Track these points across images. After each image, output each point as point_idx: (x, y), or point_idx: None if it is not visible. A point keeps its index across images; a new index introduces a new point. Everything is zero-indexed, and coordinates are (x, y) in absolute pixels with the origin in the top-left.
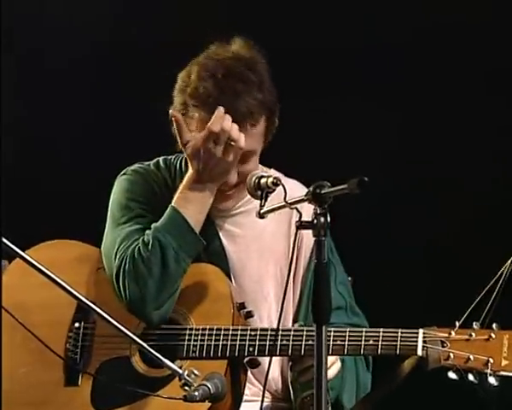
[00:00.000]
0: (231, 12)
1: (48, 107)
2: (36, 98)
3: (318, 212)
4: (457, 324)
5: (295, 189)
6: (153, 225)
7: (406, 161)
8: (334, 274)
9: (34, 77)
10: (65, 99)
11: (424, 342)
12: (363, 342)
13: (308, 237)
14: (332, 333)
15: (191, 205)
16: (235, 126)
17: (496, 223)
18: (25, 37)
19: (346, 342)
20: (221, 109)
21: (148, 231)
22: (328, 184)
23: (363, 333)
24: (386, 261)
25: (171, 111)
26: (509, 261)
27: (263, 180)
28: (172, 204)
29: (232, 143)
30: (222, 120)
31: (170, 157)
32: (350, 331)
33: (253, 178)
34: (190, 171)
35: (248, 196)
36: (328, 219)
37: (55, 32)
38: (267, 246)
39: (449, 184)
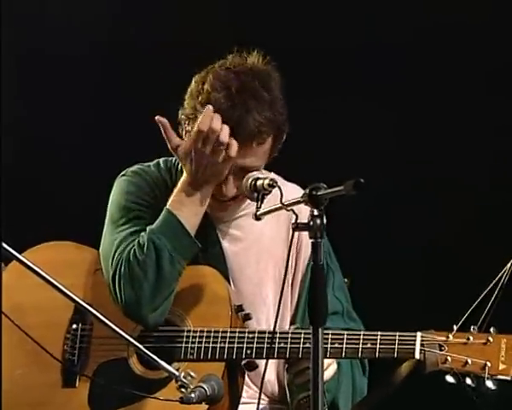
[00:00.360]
0: (231, 12)
1: (48, 107)
2: (36, 98)
3: (315, 214)
4: (455, 327)
5: (293, 192)
6: (148, 228)
7: (407, 161)
8: (331, 279)
9: (34, 77)
10: (65, 99)
11: (422, 345)
12: (361, 345)
13: (307, 240)
14: (330, 336)
15: (186, 207)
16: (226, 129)
17: (497, 223)
18: (25, 37)
19: (344, 345)
20: (210, 108)
21: (143, 234)
22: (325, 185)
23: (361, 336)
24: (386, 262)
25: (157, 117)
26: (508, 265)
27: (259, 182)
28: (167, 207)
29: (221, 146)
30: (210, 120)
31: (170, 158)
32: (348, 334)
33: (250, 180)
34: (185, 174)
35: (248, 201)
36: (325, 221)
37: (55, 32)
38: (266, 249)
39: (449, 184)
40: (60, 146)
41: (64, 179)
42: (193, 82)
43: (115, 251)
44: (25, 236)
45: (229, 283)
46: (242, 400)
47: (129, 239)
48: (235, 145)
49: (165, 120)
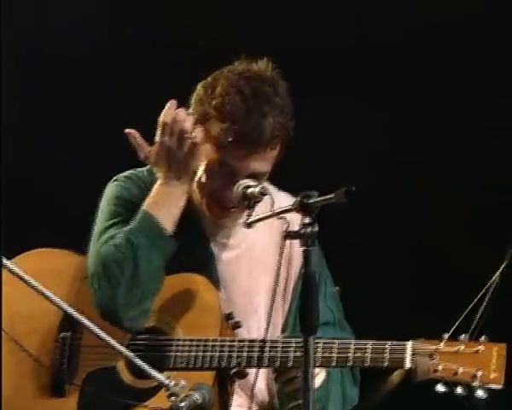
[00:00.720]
0: (226, 12)
1: (48, 107)
2: (36, 98)
3: (306, 222)
4: (446, 335)
5: (285, 200)
6: (125, 228)
7: (398, 161)
8: (323, 288)
9: (34, 77)
10: (64, 99)
11: (413, 354)
12: (351, 354)
13: (299, 248)
14: (320, 345)
15: (162, 207)
16: (190, 119)
17: (488, 223)
18: (25, 37)
19: (335, 354)
20: (172, 101)
21: (121, 234)
22: (316, 193)
23: (352, 345)
24: (377, 262)
25: (126, 130)
26: (498, 273)
27: (250, 190)
28: (143, 207)
29: (186, 135)
30: (174, 111)
31: None
32: (339, 343)
33: (241, 188)
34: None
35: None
36: (317, 228)
37: (55, 32)
38: (258, 257)
39: (440, 185)
40: (59, 146)
41: (64, 179)
42: (199, 87)
43: (97, 253)
44: (25, 236)
45: (221, 291)
46: (232, 408)
47: (110, 242)
48: (198, 131)
49: (134, 132)
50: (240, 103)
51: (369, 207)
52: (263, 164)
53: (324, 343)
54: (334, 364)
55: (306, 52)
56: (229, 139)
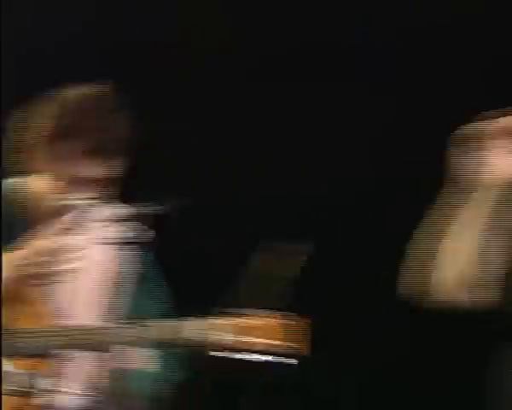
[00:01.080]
0: (231, 12)
1: None
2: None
3: (129, 229)
4: (232, 310)
5: (111, 210)
6: None
7: (403, 160)
8: (146, 288)
9: (34, 77)
10: None
11: (198, 330)
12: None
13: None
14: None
15: None
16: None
17: None
18: (25, 37)
19: (153, 336)
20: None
21: None
22: (148, 203)
23: (170, 325)
24: (381, 262)
25: None
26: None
27: (66, 201)
28: None
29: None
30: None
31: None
32: (154, 324)
33: (58, 200)
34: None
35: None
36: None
37: (54, 32)
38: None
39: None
40: None
41: None
42: (23, 117)
43: None
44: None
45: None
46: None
47: None
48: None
49: None
50: (79, 119)
51: (372, 207)
52: (99, 171)
53: (135, 324)
54: (151, 345)
55: (312, 52)
56: (70, 154)
